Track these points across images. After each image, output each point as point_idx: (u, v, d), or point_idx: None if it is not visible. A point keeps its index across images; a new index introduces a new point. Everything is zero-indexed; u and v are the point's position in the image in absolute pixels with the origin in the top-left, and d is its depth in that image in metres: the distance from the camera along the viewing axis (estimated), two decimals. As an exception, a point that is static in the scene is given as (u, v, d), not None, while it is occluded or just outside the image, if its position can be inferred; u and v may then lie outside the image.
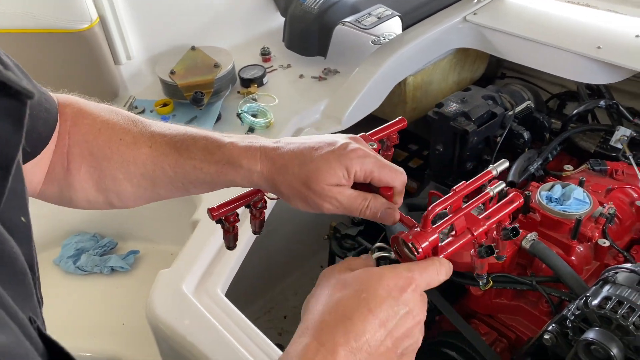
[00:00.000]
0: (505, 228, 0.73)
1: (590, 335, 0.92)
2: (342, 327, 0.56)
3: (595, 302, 0.93)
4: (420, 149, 1.94)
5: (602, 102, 1.48)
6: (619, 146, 1.42)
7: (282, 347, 0.94)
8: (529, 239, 1.15)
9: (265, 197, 0.78)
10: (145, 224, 1.50)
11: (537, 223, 1.23)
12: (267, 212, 0.80)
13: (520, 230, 0.94)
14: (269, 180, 0.68)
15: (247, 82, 1.59)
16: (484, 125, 1.46)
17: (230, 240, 0.80)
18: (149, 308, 1.02)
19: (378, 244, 0.70)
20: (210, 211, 0.74)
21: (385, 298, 0.58)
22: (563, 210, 1.18)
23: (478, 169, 1.54)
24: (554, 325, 1.02)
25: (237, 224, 0.78)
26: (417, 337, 0.61)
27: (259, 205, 0.78)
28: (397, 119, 0.81)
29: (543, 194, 1.23)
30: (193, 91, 1.47)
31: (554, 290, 1.14)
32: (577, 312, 0.96)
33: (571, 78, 1.52)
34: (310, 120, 1.47)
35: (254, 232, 0.82)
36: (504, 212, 0.72)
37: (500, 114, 1.48)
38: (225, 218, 0.75)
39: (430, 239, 0.64)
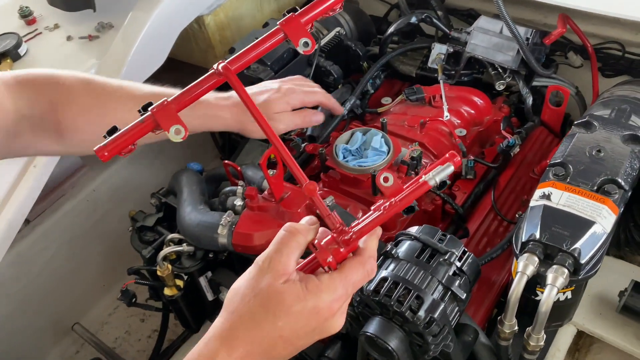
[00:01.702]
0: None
1: (369, 329, 0.79)
2: (240, 325, 0.60)
3: (371, 286, 0.79)
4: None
5: (413, 18, 1.29)
6: (436, 66, 1.25)
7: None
8: (325, 203, 0.99)
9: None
10: None
11: (338, 182, 1.07)
12: None
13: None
14: (238, 122, 1.05)
15: (-5, 59, 1.28)
16: (285, 68, 1.25)
17: None
18: None
19: None
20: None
21: (300, 327, 0.61)
22: (358, 165, 1.02)
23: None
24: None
25: None
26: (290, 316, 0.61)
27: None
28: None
29: (340, 147, 1.06)
30: None
31: (359, 258, 1.00)
32: (357, 299, 0.82)
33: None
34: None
35: None
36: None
37: (303, 50, 1.26)
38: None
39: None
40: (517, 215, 1.04)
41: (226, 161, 1.13)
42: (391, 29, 1.31)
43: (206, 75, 0.67)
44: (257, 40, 0.68)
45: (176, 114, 0.64)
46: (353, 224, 0.65)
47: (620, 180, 0.86)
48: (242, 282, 0.63)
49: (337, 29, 1.33)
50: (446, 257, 0.80)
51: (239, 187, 1.05)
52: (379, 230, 0.67)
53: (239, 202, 1.05)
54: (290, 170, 0.67)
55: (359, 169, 1.01)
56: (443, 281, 0.78)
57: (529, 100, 1.21)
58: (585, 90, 1.39)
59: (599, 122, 0.97)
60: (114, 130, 0.63)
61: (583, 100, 1.32)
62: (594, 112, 1.06)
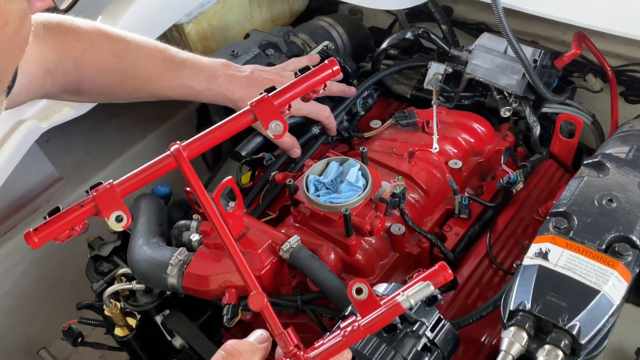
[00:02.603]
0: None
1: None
2: None
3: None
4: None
5: (408, 33, 1.15)
6: (431, 88, 1.11)
7: None
8: (289, 245, 0.86)
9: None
10: None
11: (309, 218, 0.94)
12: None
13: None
14: (239, 103, 1.04)
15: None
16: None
17: None
18: None
19: None
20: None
21: None
22: (329, 201, 0.89)
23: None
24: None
25: None
26: None
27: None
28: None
29: (311, 179, 0.93)
30: None
31: (326, 309, 0.87)
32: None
33: (358, 3, 1.18)
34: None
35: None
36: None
37: (285, 65, 1.14)
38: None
39: None
40: (514, 265, 0.89)
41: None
42: (384, 45, 1.17)
43: (159, 157, 0.62)
44: (220, 123, 0.64)
45: (121, 199, 0.58)
46: (312, 348, 0.56)
47: (635, 238, 0.71)
48: None
49: (325, 42, 1.20)
50: (414, 328, 0.66)
51: (194, 220, 0.93)
52: (347, 355, 0.58)
53: (195, 237, 0.93)
54: (238, 271, 0.56)
55: (330, 206, 0.88)
56: (408, 358, 0.65)
57: (537, 130, 1.06)
58: (605, 117, 1.24)
59: (613, 163, 0.82)
60: (55, 210, 0.58)
61: (600, 129, 1.17)
62: (608, 149, 0.91)
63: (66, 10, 0.51)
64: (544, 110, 1.10)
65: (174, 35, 1.34)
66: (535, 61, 1.00)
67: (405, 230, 0.93)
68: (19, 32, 0.45)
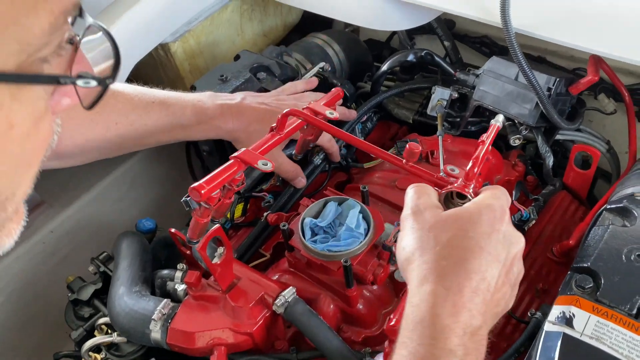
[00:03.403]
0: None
1: None
2: (462, 269, 0.56)
3: None
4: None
5: (410, 55, 1.07)
6: (435, 114, 1.03)
7: None
8: (284, 299, 0.78)
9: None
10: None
11: (305, 265, 0.86)
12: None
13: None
14: (233, 133, 0.97)
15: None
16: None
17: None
18: None
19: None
20: (197, 189, 0.70)
21: (490, 233, 0.59)
22: (327, 250, 0.81)
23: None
24: None
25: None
26: (521, 265, 0.62)
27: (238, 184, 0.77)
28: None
29: (307, 223, 0.85)
30: None
31: (325, 369, 0.79)
32: None
33: (359, 24, 1.10)
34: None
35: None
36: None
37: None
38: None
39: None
40: (529, 315, 0.81)
41: (172, 230, 0.93)
42: (384, 67, 1.09)
43: None
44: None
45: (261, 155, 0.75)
46: None
47: (669, 300, 0.64)
48: (408, 241, 0.61)
49: (322, 64, 1.12)
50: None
51: (178, 270, 0.85)
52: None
53: (181, 287, 0.85)
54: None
55: (328, 255, 0.80)
56: None
57: (550, 161, 0.98)
58: (616, 136, 1.16)
59: (639, 208, 0.74)
60: None
61: (616, 157, 1.09)
62: (631, 186, 0.83)
63: (89, 108, 0.43)
64: (557, 137, 1.03)
65: (160, 54, 1.26)
66: (549, 89, 0.92)
67: (409, 276, 0.86)
68: (31, 137, 0.37)
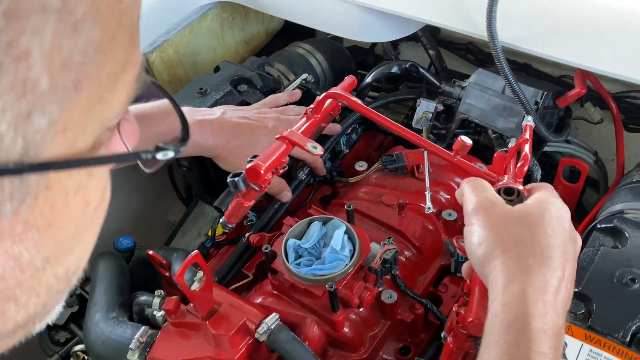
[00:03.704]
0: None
1: None
2: (546, 267, 0.56)
3: None
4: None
5: (395, 67, 1.05)
6: (421, 127, 1.01)
7: None
8: (267, 326, 0.76)
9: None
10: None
11: (288, 289, 0.83)
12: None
13: None
14: (214, 150, 0.94)
15: None
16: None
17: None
18: None
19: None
20: (255, 168, 0.71)
21: (562, 231, 0.59)
22: (311, 274, 0.78)
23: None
24: None
25: None
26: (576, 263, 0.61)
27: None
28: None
29: (291, 244, 0.82)
30: None
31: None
32: None
33: (342, 35, 1.07)
34: None
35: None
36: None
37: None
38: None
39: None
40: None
41: (150, 252, 0.90)
42: (368, 79, 1.07)
43: None
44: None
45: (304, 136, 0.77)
46: None
47: (662, 327, 0.62)
48: (486, 237, 0.59)
49: (304, 75, 1.09)
50: None
51: (156, 297, 0.81)
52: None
53: (159, 312, 0.82)
54: None
55: (313, 279, 0.77)
56: None
57: (538, 174, 0.96)
58: (603, 145, 1.15)
59: (630, 228, 0.73)
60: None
61: (603, 167, 1.08)
62: (620, 202, 0.82)
63: (153, 173, 0.40)
64: (545, 148, 1.01)
65: (137, 64, 1.22)
66: (536, 103, 0.90)
67: (397, 297, 0.83)
68: (100, 207, 0.35)
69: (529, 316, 0.53)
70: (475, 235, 0.61)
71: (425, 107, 1.01)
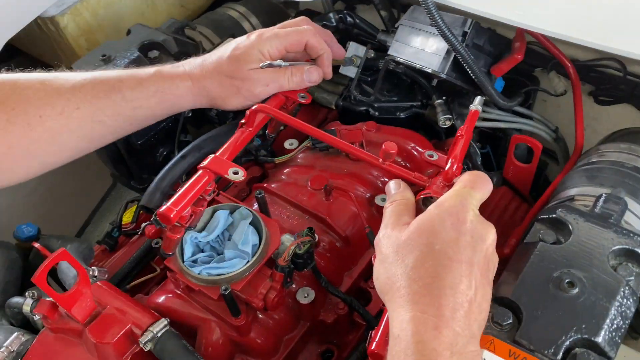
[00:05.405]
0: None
1: None
2: (434, 288, 0.52)
3: None
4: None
5: (331, 16, 0.93)
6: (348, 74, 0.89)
7: None
8: (152, 334, 0.65)
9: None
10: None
11: (187, 290, 0.72)
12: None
13: None
14: (202, 89, 0.81)
15: None
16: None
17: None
18: None
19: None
20: (165, 214, 0.63)
21: (457, 238, 0.55)
22: (207, 274, 0.67)
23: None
24: None
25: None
26: (495, 257, 0.58)
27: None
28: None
29: (187, 239, 0.70)
30: None
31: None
32: None
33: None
34: None
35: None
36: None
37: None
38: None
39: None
40: None
41: (36, 244, 0.78)
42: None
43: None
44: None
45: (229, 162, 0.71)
46: None
47: (600, 341, 0.51)
48: (379, 271, 0.58)
49: (229, 39, 0.96)
50: None
51: (28, 298, 0.70)
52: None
53: (38, 315, 0.71)
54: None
55: (207, 279, 0.66)
56: None
57: (477, 158, 0.85)
58: (571, 121, 1.04)
59: (576, 218, 0.61)
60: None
61: (565, 145, 0.97)
62: (572, 186, 0.71)
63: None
64: (490, 124, 0.89)
65: (50, 29, 1.09)
66: (464, 34, 0.78)
67: (315, 295, 0.73)
68: None
69: (419, 342, 0.49)
70: (374, 271, 0.60)
71: (354, 50, 0.89)
